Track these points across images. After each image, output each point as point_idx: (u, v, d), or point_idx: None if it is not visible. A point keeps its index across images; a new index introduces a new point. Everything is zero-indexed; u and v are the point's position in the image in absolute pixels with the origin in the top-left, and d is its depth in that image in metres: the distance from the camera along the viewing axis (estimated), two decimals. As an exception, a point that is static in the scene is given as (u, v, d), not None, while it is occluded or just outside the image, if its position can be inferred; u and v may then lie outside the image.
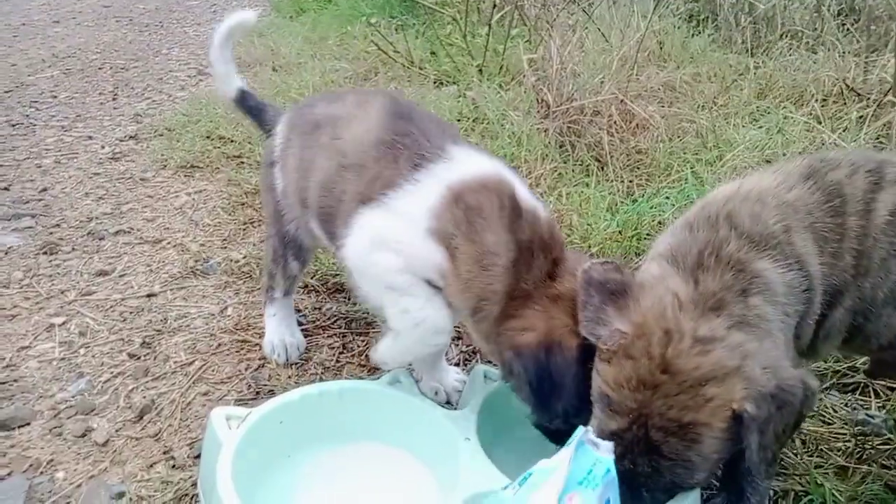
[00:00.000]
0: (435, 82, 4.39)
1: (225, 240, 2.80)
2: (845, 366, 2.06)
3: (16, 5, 8.10)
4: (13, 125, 4.19)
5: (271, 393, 1.92)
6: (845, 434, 1.85)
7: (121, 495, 1.60)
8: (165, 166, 3.56)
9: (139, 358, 2.09)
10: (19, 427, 1.81)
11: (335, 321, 2.29)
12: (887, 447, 1.80)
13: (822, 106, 3.62)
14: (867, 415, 1.90)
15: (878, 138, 3.22)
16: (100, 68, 5.58)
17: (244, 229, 2.89)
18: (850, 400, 1.98)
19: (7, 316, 2.28)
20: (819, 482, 1.62)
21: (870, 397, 1.99)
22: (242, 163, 3.47)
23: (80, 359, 2.08)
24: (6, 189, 3.27)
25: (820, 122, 3.37)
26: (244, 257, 2.63)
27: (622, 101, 3.45)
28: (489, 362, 1.89)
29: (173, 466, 1.69)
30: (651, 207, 2.75)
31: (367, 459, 1.61)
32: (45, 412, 1.86)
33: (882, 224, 1.42)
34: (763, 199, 1.43)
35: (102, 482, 1.64)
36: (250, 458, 1.44)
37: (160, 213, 3.05)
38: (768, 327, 1.28)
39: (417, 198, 1.49)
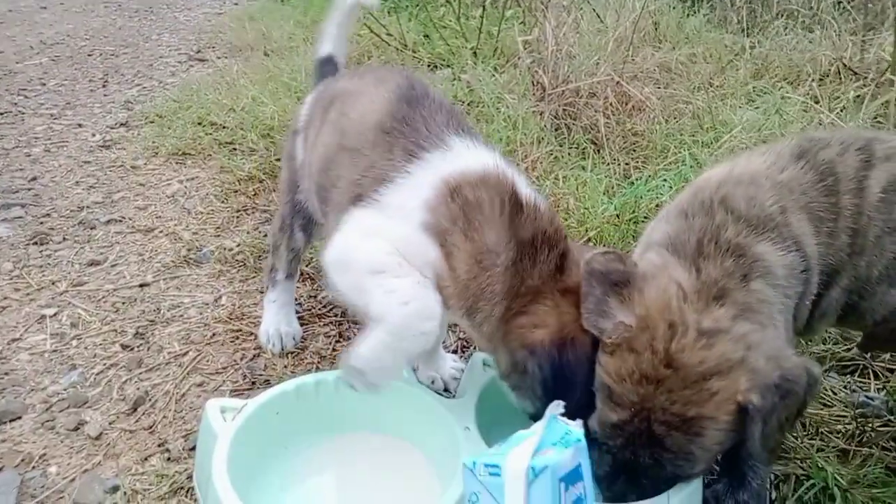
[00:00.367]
0: (429, 66, 4.34)
1: (218, 228, 2.77)
2: (843, 348, 2.05)
3: (2, -9, 8.00)
4: (1, 113, 4.14)
5: (267, 383, 1.90)
6: (845, 416, 1.84)
7: (115, 489, 1.58)
8: (157, 154, 3.52)
9: (132, 349, 2.06)
10: (10, 421, 1.78)
11: (331, 309, 2.26)
12: (888, 429, 1.79)
13: (820, 85, 3.60)
14: (867, 396, 1.90)
15: (876, 118, 3.20)
16: (89, 55, 5.52)
17: (237, 217, 2.85)
18: (849, 382, 1.98)
19: (-3, 308, 2.26)
20: (820, 466, 1.62)
21: (869, 379, 1.99)
22: (235, 149, 3.43)
23: (73, 350, 2.05)
24: (-5, 178, 3.23)
25: (817, 102, 3.35)
26: (238, 245, 2.60)
27: (618, 82, 3.42)
28: (487, 349, 1.88)
29: (168, 459, 1.67)
30: (649, 190, 2.73)
31: (365, 450, 1.60)
32: (37, 405, 1.84)
33: (875, 202, 1.41)
34: (756, 181, 1.42)
35: (96, 476, 1.62)
36: (246, 449, 1.42)
37: (152, 202, 3.02)
38: (770, 311, 1.28)
39: (411, 190, 1.42)
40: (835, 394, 1.92)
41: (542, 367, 1.31)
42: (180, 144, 3.52)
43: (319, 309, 2.26)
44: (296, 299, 2.24)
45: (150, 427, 1.78)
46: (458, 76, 3.95)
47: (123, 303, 2.28)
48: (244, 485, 1.35)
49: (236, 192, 3.06)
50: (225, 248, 2.59)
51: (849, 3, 4.58)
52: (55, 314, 2.22)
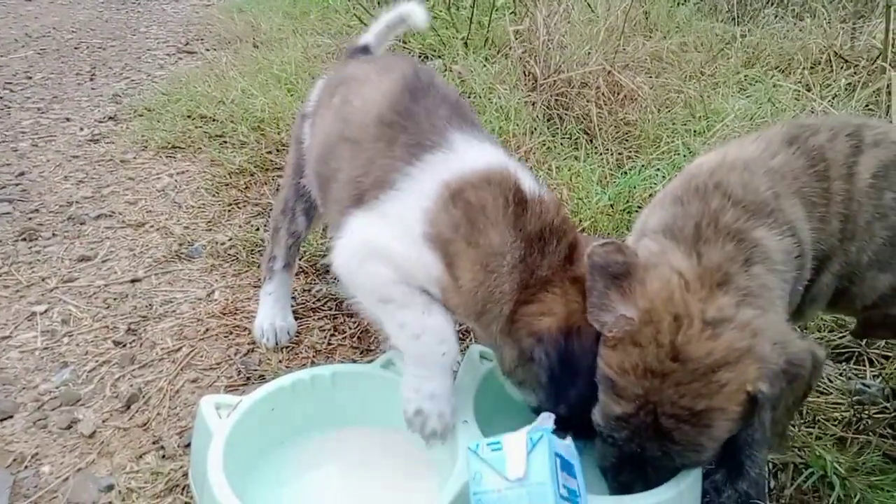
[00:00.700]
0: (420, 56, 4.32)
1: (209, 222, 2.75)
2: (838, 335, 2.06)
3: (-14, -16, 7.90)
4: (-13, 108, 4.09)
5: (262, 378, 1.89)
6: (842, 404, 1.85)
7: (109, 488, 1.56)
8: (146, 147, 3.48)
9: (125, 345, 2.04)
10: (2, 420, 1.75)
11: (325, 303, 2.25)
12: (884, 416, 1.80)
13: (811, 74, 3.60)
14: (863, 384, 1.91)
15: (867, 105, 3.20)
16: (76, 48, 5.46)
17: (229, 211, 2.83)
18: (845, 369, 1.98)
19: (-14, 305, 2.23)
20: (818, 454, 1.62)
21: (864, 366, 2.00)
22: (225, 142, 3.40)
23: (64, 348, 2.03)
24: (-19, 174, 3.19)
25: (809, 90, 3.35)
26: (230, 239, 2.58)
27: (609, 72, 3.41)
28: (483, 342, 1.87)
29: (163, 457, 1.66)
30: (642, 180, 2.73)
31: (362, 444, 1.58)
32: (29, 404, 1.81)
33: (865, 187, 1.42)
34: (750, 167, 1.42)
35: (90, 475, 1.60)
36: (242, 446, 1.41)
37: (142, 196, 2.98)
38: (770, 297, 1.27)
39: (411, 198, 1.40)
40: (831, 381, 1.92)
41: (549, 355, 1.29)
42: (170, 138, 3.49)
43: (314, 303, 2.25)
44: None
45: (145, 424, 1.76)
46: (449, 67, 3.93)
47: (115, 299, 2.26)
48: (240, 481, 1.34)
49: (227, 185, 3.03)
50: (217, 243, 2.57)
51: (839, -10, 4.58)
52: (45, 311, 2.19)
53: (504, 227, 1.33)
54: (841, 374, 1.96)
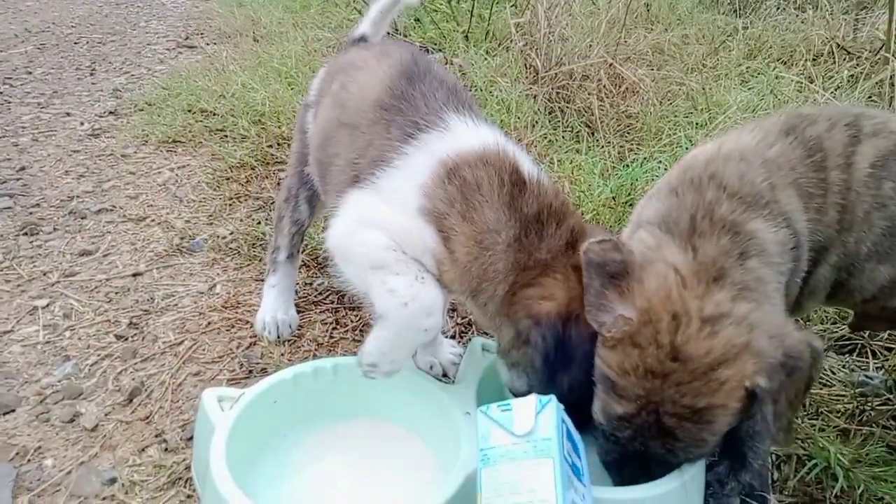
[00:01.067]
0: (420, 50, 4.30)
1: (211, 216, 2.74)
2: (841, 327, 2.05)
3: (-15, -21, 7.88)
4: (-13, 103, 4.08)
5: (264, 371, 1.89)
6: (845, 396, 1.84)
7: (112, 481, 1.56)
8: (147, 142, 3.47)
9: (126, 339, 2.04)
10: (4, 414, 1.75)
11: (327, 296, 2.24)
12: (887, 408, 1.80)
13: (814, 65, 3.59)
14: (866, 375, 1.90)
15: (870, 97, 3.19)
16: (76, 43, 5.44)
17: (230, 205, 2.82)
18: (847, 361, 1.98)
19: (-12, 300, 2.23)
20: (822, 445, 1.61)
21: (867, 358, 1.99)
22: (226, 136, 3.39)
23: (66, 342, 2.03)
24: (-18, 169, 3.19)
25: (812, 82, 3.33)
26: (231, 233, 2.58)
27: (611, 64, 3.40)
28: (486, 334, 1.86)
29: (166, 450, 1.66)
30: (644, 172, 2.72)
31: (365, 437, 1.58)
32: (31, 398, 1.81)
33: (863, 177, 1.41)
34: (746, 157, 1.41)
35: (93, 468, 1.60)
36: (244, 439, 1.41)
37: (143, 190, 2.98)
38: (766, 290, 1.26)
39: (407, 174, 1.40)
40: (834, 373, 1.92)
41: (546, 339, 1.28)
42: (170, 132, 3.48)
43: (315, 296, 2.24)
44: (291, 286, 2.22)
45: (147, 418, 1.76)
46: (450, 60, 3.92)
47: (116, 293, 2.26)
48: (243, 474, 1.33)
49: (228, 179, 3.02)
50: (218, 237, 2.56)
51: (841, -18, 4.57)
52: (47, 305, 2.19)
53: (499, 205, 1.33)
54: (844, 366, 1.95)
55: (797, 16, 4.32)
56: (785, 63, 3.77)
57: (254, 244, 2.49)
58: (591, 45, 3.53)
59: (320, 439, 1.57)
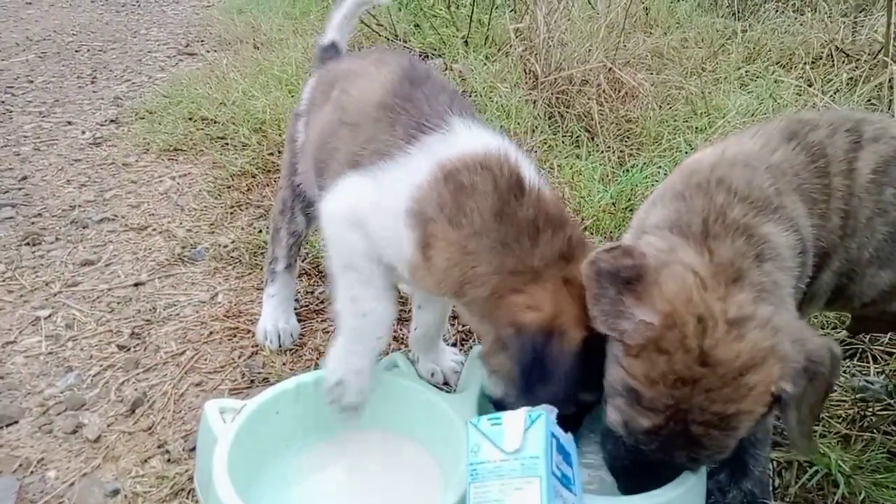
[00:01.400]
0: (420, 55, 4.31)
1: (212, 224, 2.75)
2: (840, 332, 2.05)
3: (-14, -12, 7.91)
4: (-12, 112, 4.09)
5: (266, 381, 1.89)
6: (846, 401, 1.84)
7: (115, 492, 1.57)
8: (148, 150, 3.48)
9: (129, 349, 2.05)
10: (7, 425, 1.76)
11: (328, 305, 2.25)
12: (888, 413, 1.79)
13: (813, 69, 3.59)
14: (866, 381, 1.90)
15: (869, 100, 3.19)
16: (77, 51, 5.46)
17: (231, 213, 2.83)
18: (848, 366, 1.98)
19: (-10, 310, 2.23)
20: (823, 452, 1.61)
21: (868, 363, 1.99)
22: (227, 144, 3.40)
23: (68, 352, 2.03)
24: (-16, 179, 3.20)
25: (811, 85, 3.34)
26: (233, 242, 2.58)
27: (610, 69, 3.41)
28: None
29: (168, 461, 1.66)
30: (644, 177, 2.72)
31: (366, 446, 1.59)
32: (34, 409, 1.82)
33: (865, 183, 1.41)
34: (750, 162, 1.39)
35: (96, 479, 1.61)
36: (247, 450, 1.41)
37: (145, 199, 2.99)
38: (781, 294, 1.24)
39: (405, 172, 1.40)
40: (834, 379, 1.92)
41: (524, 350, 1.25)
42: (171, 140, 3.49)
43: (317, 305, 2.25)
44: (292, 295, 2.22)
45: (150, 428, 1.77)
46: (449, 66, 3.93)
47: (118, 303, 2.26)
48: (245, 485, 1.34)
49: (229, 187, 3.03)
50: (220, 245, 2.57)
51: (840, -16, 4.57)
52: (49, 315, 2.20)
53: (489, 208, 1.31)
54: (844, 371, 1.95)
55: (796, 19, 4.33)
56: (784, 66, 3.78)
57: (255, 253, 2.50)
58: (590, 50, 3.54)
59: (322, 450, 1.57)
